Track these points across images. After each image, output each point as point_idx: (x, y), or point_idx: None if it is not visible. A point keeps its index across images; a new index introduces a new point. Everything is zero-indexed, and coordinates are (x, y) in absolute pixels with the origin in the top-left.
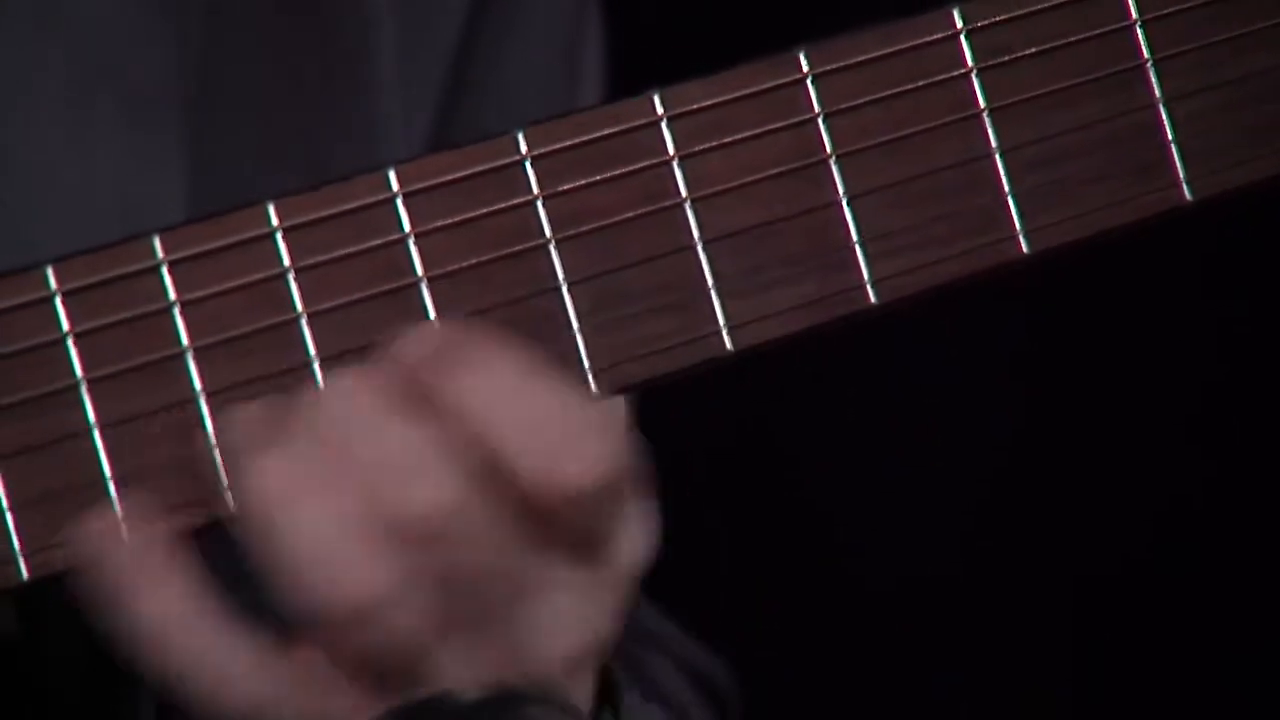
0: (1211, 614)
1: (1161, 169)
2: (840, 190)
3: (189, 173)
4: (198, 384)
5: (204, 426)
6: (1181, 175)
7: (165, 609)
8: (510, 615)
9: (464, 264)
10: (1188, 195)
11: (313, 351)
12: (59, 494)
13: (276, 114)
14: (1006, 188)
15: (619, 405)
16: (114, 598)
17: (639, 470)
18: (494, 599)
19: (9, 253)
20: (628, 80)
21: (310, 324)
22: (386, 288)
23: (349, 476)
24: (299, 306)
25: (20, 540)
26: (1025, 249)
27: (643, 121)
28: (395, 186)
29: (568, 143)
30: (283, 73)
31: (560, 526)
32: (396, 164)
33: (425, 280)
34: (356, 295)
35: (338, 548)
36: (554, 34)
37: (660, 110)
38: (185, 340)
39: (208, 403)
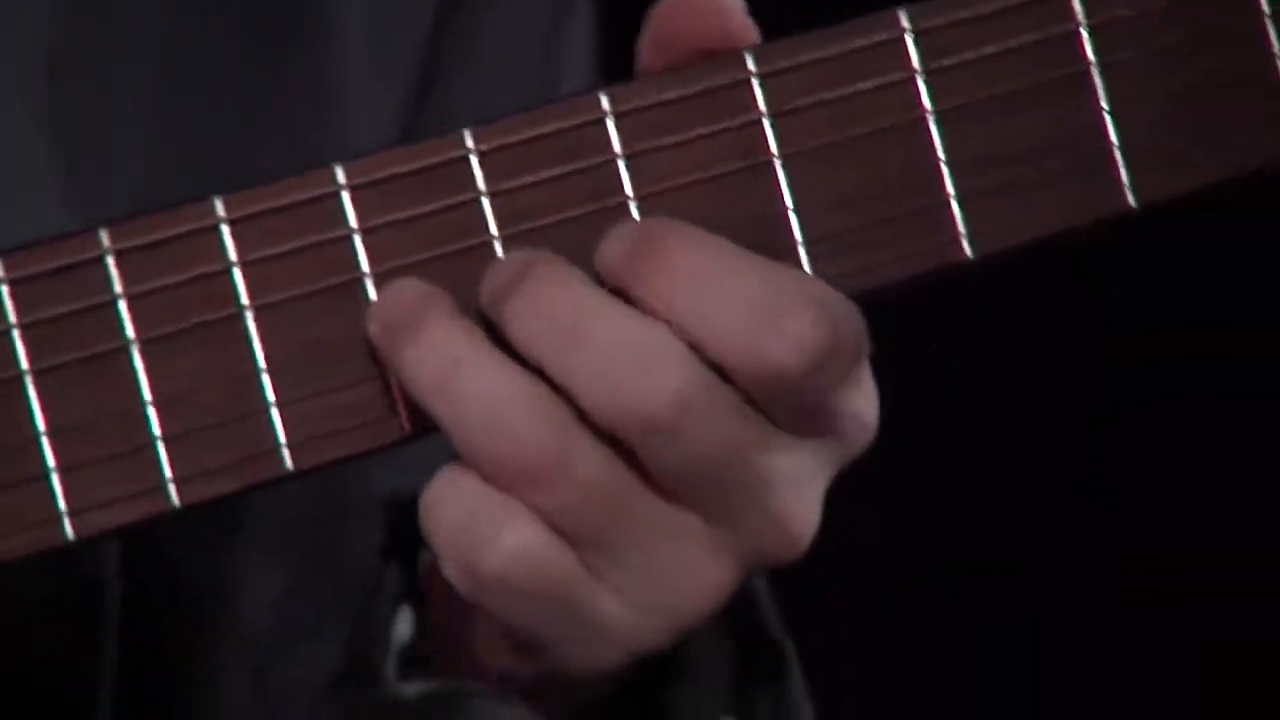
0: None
1: (1107, 174)
2: (785, 192)
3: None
4: (143, 377)
5: (147, 418)
6: (1126, 181)
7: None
8: (756, 503)
9: (410, 260)
10: (1132, 202)
11: (258, 347)
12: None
13: (241, 101)
14: (951, 191)
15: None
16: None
17: (856, 338)
18: (729, 484)
19: None
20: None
21: (256, 318)
22: (332, 282)
23: (568, 371)
24: (244, 300)
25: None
26: (969, 253)
27: (589, 119)
28: (342, 180)
29: (515, 139)
30: (249, 59)
31: (784, 405)
32: (344, 161)
33: (371, 275)
34: (302, 290)
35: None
36: (531, 27)
37: (607, 107)
38: (131, 333)
39: (152, 394)
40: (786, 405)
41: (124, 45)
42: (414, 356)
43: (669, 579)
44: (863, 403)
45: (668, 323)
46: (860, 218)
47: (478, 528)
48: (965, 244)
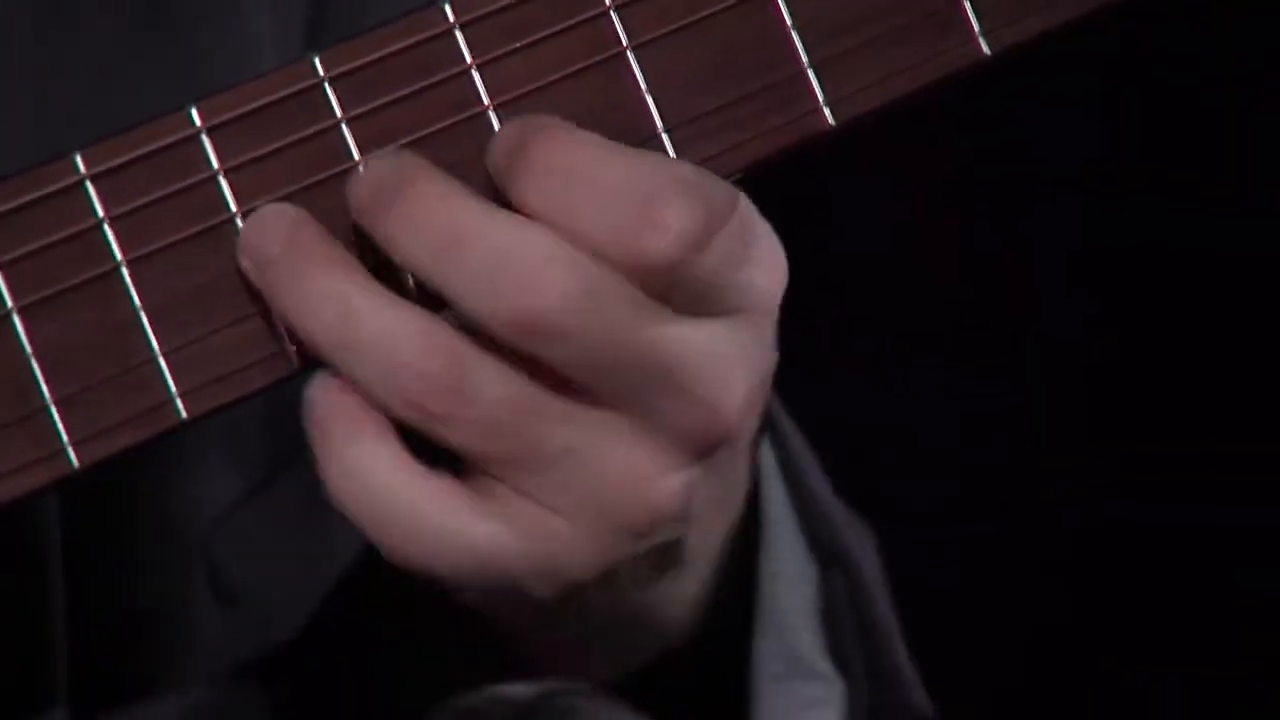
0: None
1: (956, 25)
2: (641, 81)
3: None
4: (26, 345)
5: (37, 384)
6: (976, 28)
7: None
8: (669, 384)
9: (278, 194)
10: (985, 49)
11: (137, 300)
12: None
13: (134, 42)
14: (805, 60)
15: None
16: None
17: (731, 212)
18: (638, 374)
19: None
20: None
21: (132, 271)
22: (203, 225)
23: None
24: (118, 255)
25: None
26: (831, 120)
27: (437, 31)
28: (199, 123)
29: (365, 59)
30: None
31: (678, 289)
32: (197, 101)
33: (240, 215)
34: (175, 237)
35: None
36: None
37: (452, 19)
38: (10, 301)
39: (38, 360)
40: (678, 290)
41: None
42: (300, 305)
43: (604, 481)
44: (758, 270)
45: (550, 224)
46: (719, 98)
47: (395, 509)
48: (826, 112)
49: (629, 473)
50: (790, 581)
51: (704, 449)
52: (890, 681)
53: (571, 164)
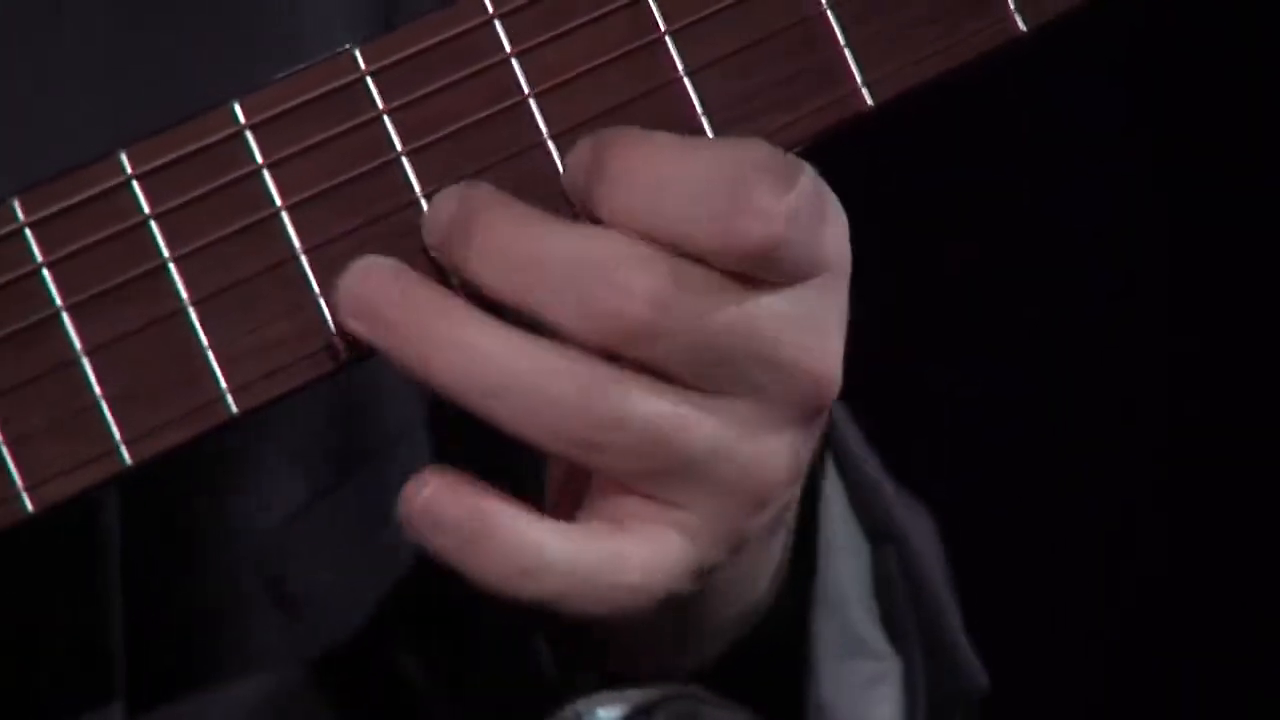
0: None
1: (992, 3)
2: (679, 66)
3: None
4: (76, 342)
5: (86, 381)
6: (1012, 5)
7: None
8: (773, 360)
9: (321, 188)
10: (1021, 25)
11: (184, 295)
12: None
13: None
14: (841, 41)
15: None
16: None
17: (812, 183)
18: (740, 357)
19: None
20: None
21: (179, 267)
22: (248, 221)
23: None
24: (165, 252)
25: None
26: (869, 100)
27: (477, 22)
28: (242, 119)
29: (405, 52)
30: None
31: (769, 266)
32: (240, 97)
33: (285, 210)
34: (221, 233)
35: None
36: None
37: (491, 8)
38: (58, 300)
39: (90, 361)
40: (774, 269)
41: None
42: (431, 359)
43: (745, 468)
44: (832, 232)
45: (637, 228)
46: (757, 81)
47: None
48: (865, 92)
49: (760, 454)
50: (844, 556)
51: (812, 414)
52: (946, 658)
53: (653, 166)
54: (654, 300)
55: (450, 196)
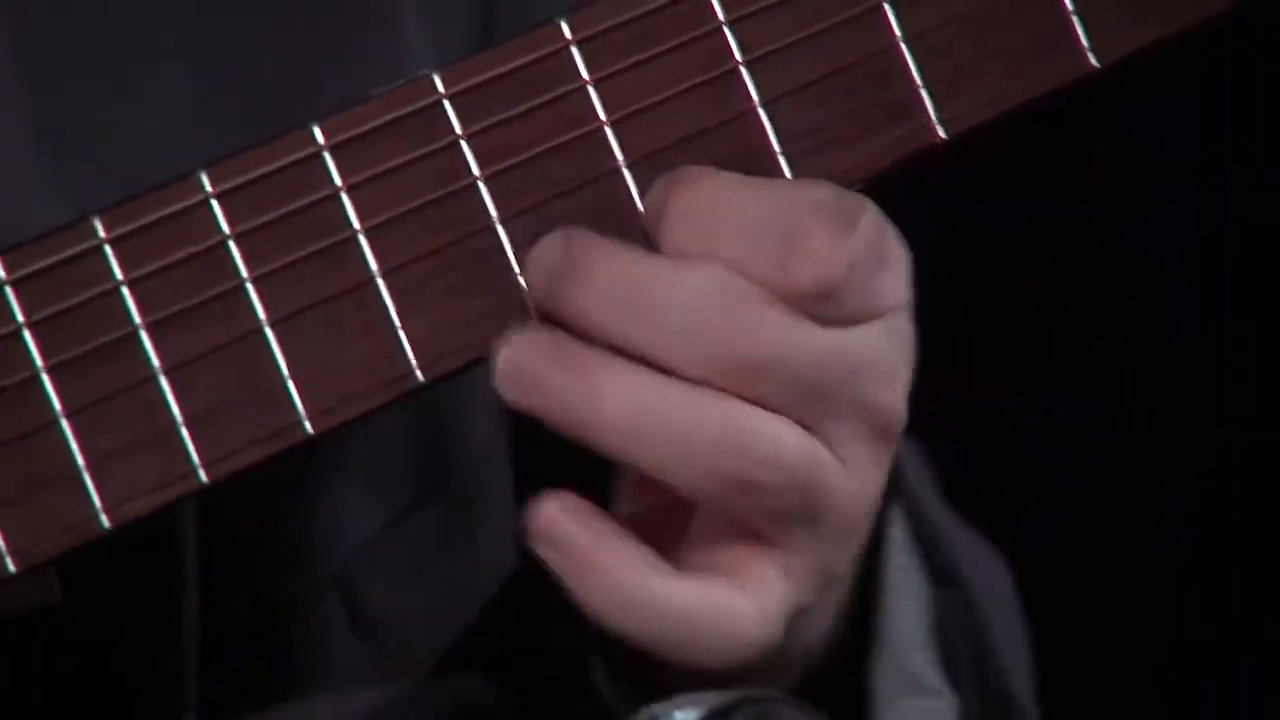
0: None
1: (1064, 39)
2: (754, 95)
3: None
4: (155, 360)
5: (164, 399)
6: (1085, 43)
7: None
8: (850, 391)
9: (398, 211)
10: (1094, 62)
11: (262, 315)
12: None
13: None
14: (916, 75)
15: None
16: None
17: (874, 225)
18: (835, 386)
19: None
20: None
21: (257, 288)
22: (326, 243)
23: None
24: (243, 272)
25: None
26: (942, 135)
27: (554, 48)
28: (321, 140)
29: (483, 77)
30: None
31: (827, 311)
32: (320, 119)
33: (362, 232)
34: (298, 254)
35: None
36: None
37: (569, 35)
38: (137, 318)
39: (167, 378)
40: (833, 310)
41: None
42: (583, 412)
43: (852, 504)
44: (893, 270)
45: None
46: (832, 113)
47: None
48: (938, 127)
49: (855, 492)
50: (905, 597)
51: (886, 449)
52: (999, 708)
53: (712, 206)
54: (770, 330)
55: (557, 237)
